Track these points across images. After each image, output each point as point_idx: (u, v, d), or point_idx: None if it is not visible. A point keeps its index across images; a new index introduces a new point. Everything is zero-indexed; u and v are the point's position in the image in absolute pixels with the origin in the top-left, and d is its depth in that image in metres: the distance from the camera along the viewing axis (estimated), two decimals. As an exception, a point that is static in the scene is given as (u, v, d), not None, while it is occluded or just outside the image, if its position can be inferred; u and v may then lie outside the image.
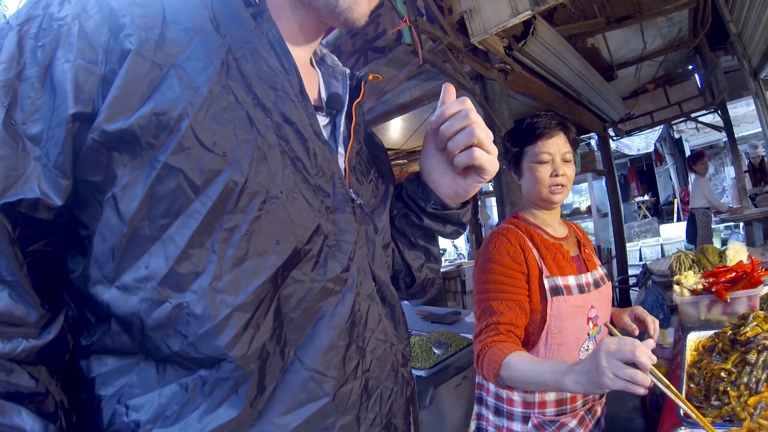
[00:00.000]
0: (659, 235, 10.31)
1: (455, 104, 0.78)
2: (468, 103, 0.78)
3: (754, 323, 1.37)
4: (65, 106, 0.55)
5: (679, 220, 10.96)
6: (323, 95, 0.85)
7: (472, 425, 1.74)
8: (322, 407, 0.65)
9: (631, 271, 7.01)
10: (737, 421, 1.11)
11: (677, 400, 1.11)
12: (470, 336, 2.78)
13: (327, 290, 0.68)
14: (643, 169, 13.54)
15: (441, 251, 1.30)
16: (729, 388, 1.22)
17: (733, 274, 1.90)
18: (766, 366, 1.23)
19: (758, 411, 1.10)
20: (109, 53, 0.57)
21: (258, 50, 0.68)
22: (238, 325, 0.59)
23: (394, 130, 5.99)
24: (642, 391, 1.02)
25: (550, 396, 1.51)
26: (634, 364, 1.02)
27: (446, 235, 0.98)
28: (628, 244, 7.80)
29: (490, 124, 3.49)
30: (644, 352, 1.02)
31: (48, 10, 0.58)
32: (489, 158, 0.79)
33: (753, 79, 4.08)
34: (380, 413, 0.74)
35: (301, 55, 0.81)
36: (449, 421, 2.55)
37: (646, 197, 12.81)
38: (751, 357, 1.26)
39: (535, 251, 1.55)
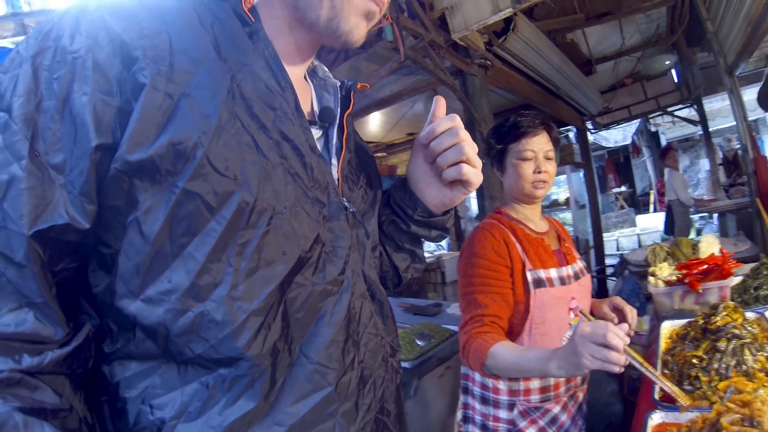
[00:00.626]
0: (636, 226, 10.47)
1: (446, 121, 0.83)
2: (457, 120, 0.83)
3: (725, 313, 1.43)
4: (87, 138, 0.58)
5: (655, 210, 11.11)
6: (316, 108, 0.88)
7: (459, 414, 1.78)
8: (327, 396, 0.70)
9: (608, 261, 7.15)
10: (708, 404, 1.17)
11: (652, 377, 1.19)
12: (452, 327, 2.82)
13: (326, 292, 0.73)
14: (621, 161, 13.75)
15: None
16: (700, 374, 1.29)
17: (705, 266, 1.96)
18: (735, 353, 1.30)
19: (727, 395, 1.16)
20: (122, 84, 0.60)
21: (256, 72, 0.71)
22: (253, 328, 0.64)
23: (374, 124, 6.01)
24: (617, 369, 1.09)
25: (535, 384, 1.56)
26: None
27: (431, 239, 1.03)
28: (605, 235, 7.91)
29: (470, 118, 3.52)
30: (615, 335, 1.09)
31: (60, 42, 0.59)
32: (475, 172, 0.84)
33: (728, 76, 4.17)
34: (374, 399, 0.79)
35: (296, 72, 0.84)
36: (434, 410, 2.59)
37: (623, 188, 12.98)
38: (721, 345, 1.33)
39: (518, 245, 1.59)
